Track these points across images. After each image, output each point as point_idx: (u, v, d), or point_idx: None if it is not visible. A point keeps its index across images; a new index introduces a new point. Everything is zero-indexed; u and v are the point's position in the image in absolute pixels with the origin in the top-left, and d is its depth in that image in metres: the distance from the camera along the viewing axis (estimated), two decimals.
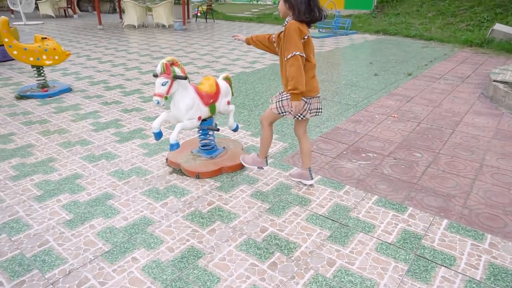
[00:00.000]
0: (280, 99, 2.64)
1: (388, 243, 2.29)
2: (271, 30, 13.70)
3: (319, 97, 2.68)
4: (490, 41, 9.73)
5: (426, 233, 2.38)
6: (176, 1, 15.73)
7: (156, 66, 2.94)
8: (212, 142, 3.26)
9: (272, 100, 2.74)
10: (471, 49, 9.54)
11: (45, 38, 5.17)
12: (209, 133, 3.22)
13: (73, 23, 15.43)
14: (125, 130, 4.01)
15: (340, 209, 2.63)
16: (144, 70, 6.90)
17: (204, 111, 2.99)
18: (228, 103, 3.21)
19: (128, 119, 4.35)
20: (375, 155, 3.48)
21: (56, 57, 5.28)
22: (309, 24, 2.48)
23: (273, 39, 2.68)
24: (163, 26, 14.25)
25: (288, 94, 2.55)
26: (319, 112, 2.70)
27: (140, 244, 2.26)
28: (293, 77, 2.38)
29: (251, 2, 28.77)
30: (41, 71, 5.31)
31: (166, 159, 3.31)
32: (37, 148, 3.57)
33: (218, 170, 3.07)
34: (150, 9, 14.79)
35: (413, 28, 12.72)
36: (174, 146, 2.82)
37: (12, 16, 17.00)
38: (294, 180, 2.99)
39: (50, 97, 5.20)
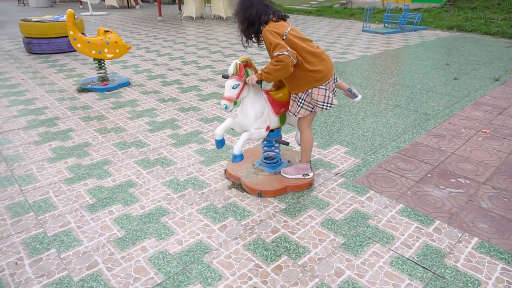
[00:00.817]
0: (300, 102, 2.58)
1: None
2: (332, 25, 13.01)
3: (334, 76, 2.64)
4: None
5: None
6: None
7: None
8: (278, 156, 2.90)
9: (291, 111, 2.66)
10: None
11: (108, 31, 5.10)
12: (275, 145, 2.86)
13: (135, 14, 15.83)
14: (182, 132, 3.78)
15: (432, 253, 2.15)
16: (202, 65, 6.71)
17: (274, 121, 2.65)
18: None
19: (185, 120, 4.12)
20: (467, 181, 2.91)
21: (117, 51, 5.20)
22: (282, 19, 2.53)
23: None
24: (221, 18, 14.11)
25: (301, 93, 2.56)
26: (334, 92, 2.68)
27: (196, 278, 1.97)
28: (270, 71, 2.34)
29: None
30: (102, 64, 5.28)
31: (225, 170, 3.01)
32: (93, 148, 3.44)
33: (283, 189, 2.71)
34: (208, 1, 14.72)
35: (493, 24, 11.37)
36: (238, 158, 2.51)
37: (81, 7, 17.85)
38: (291, 178, 2.78)
39: (109, 90, 5.15)
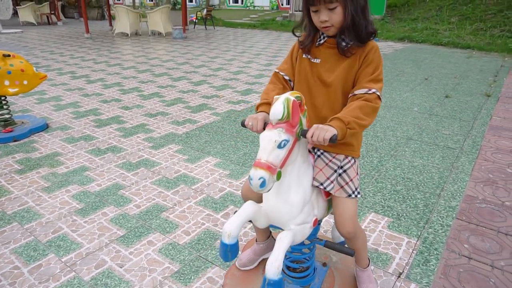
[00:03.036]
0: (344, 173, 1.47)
1: None
2: (281, 37, 12.26)
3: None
4: None
5: None
6: (172, 7, 14.21)
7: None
8: (311, 261, 1.70)
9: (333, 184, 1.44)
10: None
11: (8, 55, 3.56)
12: (309, 246, 1.65)
13: (57, 31, 13.74)
14: (133, 212, 2.43)
15: None
16: (147, 93, 5.31)
17: (322, 208, 1.49)
18: None
19: (135, 184, 2.76)
20: None
21: (25, 82, 3.68)
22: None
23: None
24: (159, 34, 12.67)
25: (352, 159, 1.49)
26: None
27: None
28: (363, 117, 1.33)
29: (248, 8, 27.39)
30: (3, 102, 3.70)
31: None
32: None
33: None
34: (144, 16, 13.21)
35: (441, 35, 11.40)
36: (277, 286, 1.25)
37: None
38: None
39: (16, 140, 3.58)
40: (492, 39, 10.37)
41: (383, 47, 10.08)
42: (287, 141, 1.20)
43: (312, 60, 1.43)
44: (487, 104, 4.81)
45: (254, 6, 27.27)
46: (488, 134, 3.77)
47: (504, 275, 1.89)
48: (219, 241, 2.07)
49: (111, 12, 15.53)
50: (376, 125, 4.01)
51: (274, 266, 1.24)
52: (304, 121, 1.29)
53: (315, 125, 1.24)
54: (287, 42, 11.16)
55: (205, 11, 15.38)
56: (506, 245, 2.12)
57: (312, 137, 1.21)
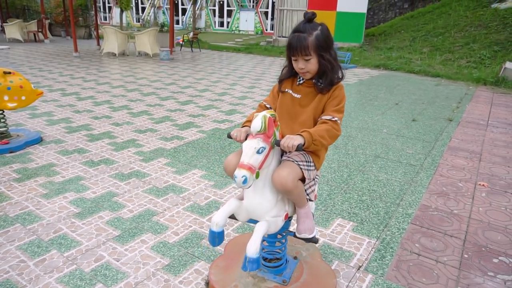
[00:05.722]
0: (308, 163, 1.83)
1: None
2: (265, 61, 12.83)
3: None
4: (504, 80, 9.21)
5: None
6: (160, 29, 14.67)
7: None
8: (283, 253, 2.02)
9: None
10: (486, 88, 8.94)
11: (9, 72, 3.83)
12: (281, 240, 1.98)
13: (44, 48, 13.93)
14: (127, 215, 2.69)
15: None
16: (136, 111, 5.60)
17: (292, 206, 1.85)
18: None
19: (128, 192, 3.03)
20: (510, 259, 2.36)
21: (23, 98, 3.94)
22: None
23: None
24: (146, 54, 13.05)
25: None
26: None
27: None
28: (325, 137, 1.73)
29: (233, 32, 28.25)
30: (0, 116, 3.93)
31: (206, 282, 2.02)
32: None
33: None
34: (132, 37, 13.59)
35: (413, 63, 12.21)
36: (255, 264, 1.57)
37: None
38: (305, 238, 1.88)
39: (12, 151, 3.79)
40: (459, 69, 11.20)
41: (360, 73, 10.74)
42: (264, 148, 1.56)
43: (294, 95, 1.85)
44: (449, 127, 5.32)
45: (239, 30, 28.17)
46: (446, 154, 4.22)
47: (446, 268, 2.24)
48: (205, 240, 2.39)
49: (100, 32, 15.86)
50: (348, 144, 4.41)
51: (254, 247, 1.57)
52: (277, 133, 1.66)
53: (287, 135, 1.63)
54: (270, 66, 11.71)
55: (191, 34, 15.90)
56: (450, 244, 2.49)
57: (283, 143, 1.59)
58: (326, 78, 1.76)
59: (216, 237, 1.64)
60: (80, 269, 2.10)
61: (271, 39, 18.61)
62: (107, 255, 2.24)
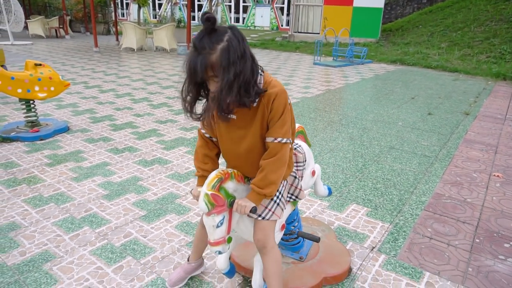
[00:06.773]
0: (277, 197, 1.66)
1: None
2: (280, 57, 12.89)
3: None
4: None
5: None
6: (177, 25, 14.88)
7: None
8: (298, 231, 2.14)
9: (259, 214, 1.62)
10: (506, 83, 8.81)
11: (40, 64, 4.05)
12: (294, 218, 2.10)
13: (65, 44, 14.33)
14: (151, 198, 2.86)
15: None
16: (156, 103, 5.79)
17: (286, 213, 1.84)
18: (313, 173, 2.10)
19: (152, 177, 3.20)
20: None
21: (52, 88, 4.16)
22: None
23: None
24: (164, 49, 13.28)
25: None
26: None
27: None
28: (278, 176, 1.56)
29: (248, 28, 28.32)
30: (32, 105, 4.16)
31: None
32: (25, 233, 2.37)
33: (319, 284, 1.94)
34: (150, 32, 13.84)
35: (431, 59, 12.08)
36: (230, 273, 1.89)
37: None
38: None
39: (42, 139, 4.01)
40: (478, 64, 11.03)
41: (376, 68, 10.70)
42: (222, 219, 1.49)
43: (229, 116, 1.51)
44: (465, 121, 5.32)
45: (255, 26, 28.23)
46: (462, 146, 4.25)
47: (457, 251, 2.32)
48: None
49: (118, 28, 16.20)
50: (363, 136, 4.48)
51: (256, 284, 1.76)
52: (231, 185, 1.54)
53: (237, 200, 1.52)
54: (285, 61, 11.77)
55: None
56: (462, 230, 2.56)
57: (235, 210, 1.51)
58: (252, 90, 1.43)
59: (229, 273, 1.85)
60: (111, 243, 2.27)
61: (287, 35, 18.63)
62: (135, 232, 2.40)
